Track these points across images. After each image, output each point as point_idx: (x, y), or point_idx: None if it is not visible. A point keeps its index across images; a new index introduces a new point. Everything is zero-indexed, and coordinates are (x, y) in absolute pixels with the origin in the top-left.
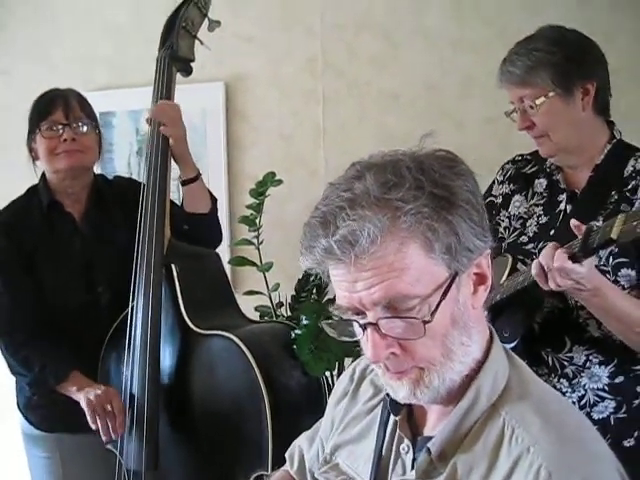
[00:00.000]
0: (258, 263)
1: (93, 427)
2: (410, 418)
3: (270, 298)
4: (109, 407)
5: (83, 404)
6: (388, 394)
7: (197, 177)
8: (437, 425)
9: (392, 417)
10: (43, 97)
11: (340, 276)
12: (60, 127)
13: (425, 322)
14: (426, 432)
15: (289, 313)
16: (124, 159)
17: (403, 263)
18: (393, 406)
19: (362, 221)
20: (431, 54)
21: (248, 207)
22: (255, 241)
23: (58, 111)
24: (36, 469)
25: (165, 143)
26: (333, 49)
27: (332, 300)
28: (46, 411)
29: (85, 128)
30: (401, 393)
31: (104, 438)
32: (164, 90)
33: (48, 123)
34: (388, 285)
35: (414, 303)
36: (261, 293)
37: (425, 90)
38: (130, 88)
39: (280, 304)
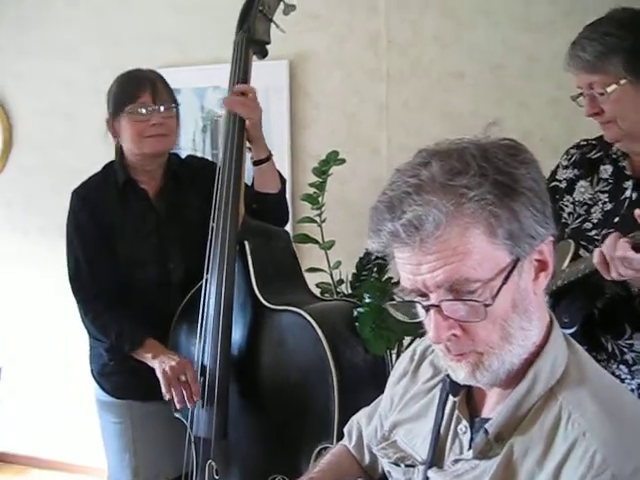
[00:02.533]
0: (320, 241)
1: (167, 397)
2: (469, 399)
3: (331, 275)
4: (183, 377)
5: (158, 374)
6: (448, 375)
7: (269, 158)
8: (495, 407)
9: (451, 398)
10: (129, 78)
11: (405, 259)
12: (148, 110)
13: (486, 305)
14: (484, 414)
15: (350, 291)
16: (189, 135)
17: (466, 247)
18: (453, 387)
19: (427, 206)
20: (495, 33)
21: (311, 185)
22: (318, 219)
23: (146, 94)
24: (108, 433)
25: (241, 124)
26: (397, 27)
27: (392, 280)
28: (118, 379)
29: (170, 111)
30: (461, 375)
31: (178, 406)
32: (241, 72)
33: (137, 106)
34: (451, 268)
35: (476, 286)
36: (322, 270)
37: (489, 69)
38: (195, 65)
39: (340, 281)
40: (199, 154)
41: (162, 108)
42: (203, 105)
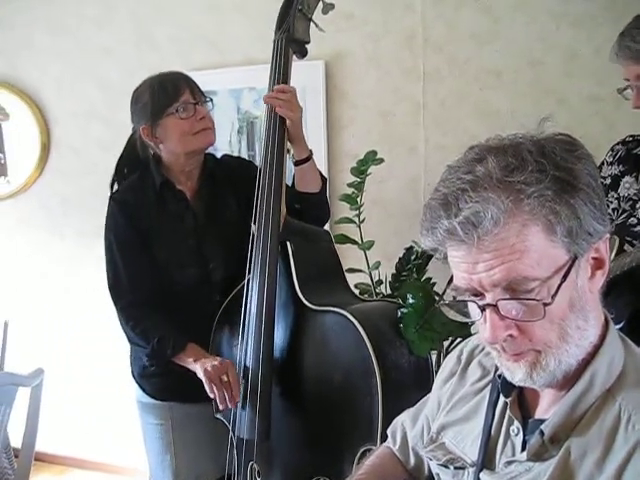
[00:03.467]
0: (359, 241)
1: (211, 396)
2: (520, 401)
3: (370, 276)
4: (225, 377)
5: (200, 374)
6: (499, 375)
7: (309, 157)
8: (550, 408)
9: (501, 399)
10: (162, 82)
11: (460, 257)
12: (192, 107)
13: (545, 304)
14: (537, 415)
15: (389, 291)
16: (225, 137)
17: (524, 245)
18: (505, 388)
19: (485, 203)
20: (533, 29)
21: (349, 185)
22: (356, 219)
23: (186, 92)
24: (149, 434)
25: (282, 124)
26: (433, 25)
27: (432, 280)
28: (159, 380)
29: (207, 105)
30: (518, 375)
31: (221, 407)
32: (281, 72)
33: (182, 104)
34: (509, 267)
35: (534, 285)
36: (361, 271)
37: (527, 66)
38: (231, 67)
39: (379, 282)
40: (236, 155)
41: (204, 100)
42: (239, 106)
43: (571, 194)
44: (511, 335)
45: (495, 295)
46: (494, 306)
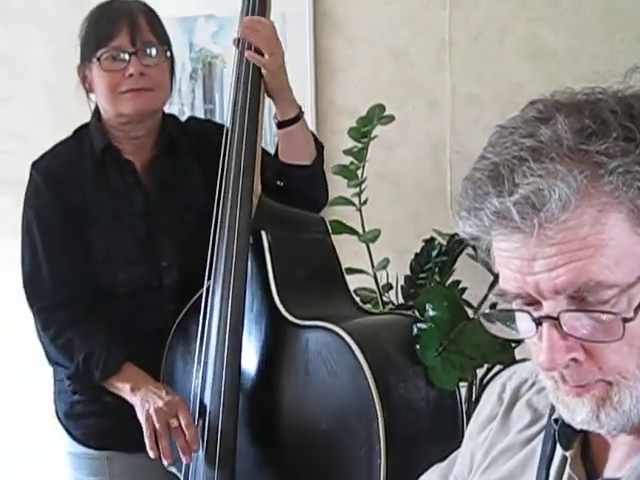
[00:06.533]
0: (359, 230)
1: (152, 454)
2: (585, 454)
3: (375, 278)
4: (175, 422)
5: (141, 417)
6: (556, 420)
7: (299, 117)
8: (625, 463)
9: (559, 451)
10: (102, 13)
11: (512, 251)
12: (125, 56)
13: (625, 320)
14: (607, 473)
15: (401, 300)
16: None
17: (600, 238)
18: (563, 436)
19: (551, 178)
20: None
21: (346, 153)
22: (356, 200)
23: (122, 34)
24: None
25: (257, 72)
26: None
27: (460, 285)
28: (92, 422)
29: (156, 57)
30: (581, 414)
31: (165, 463)
32: None
33: (110, 51)
34: (579, 267)
35: (610, 294)
36: (363, 272)
37: None
38: None
39: (388, 287)
40: (186, 109)
41: (149, 51)
42: (192, 42)
43: None
44: (575, 360)
45: (557, 305)
46: (555, 319)
